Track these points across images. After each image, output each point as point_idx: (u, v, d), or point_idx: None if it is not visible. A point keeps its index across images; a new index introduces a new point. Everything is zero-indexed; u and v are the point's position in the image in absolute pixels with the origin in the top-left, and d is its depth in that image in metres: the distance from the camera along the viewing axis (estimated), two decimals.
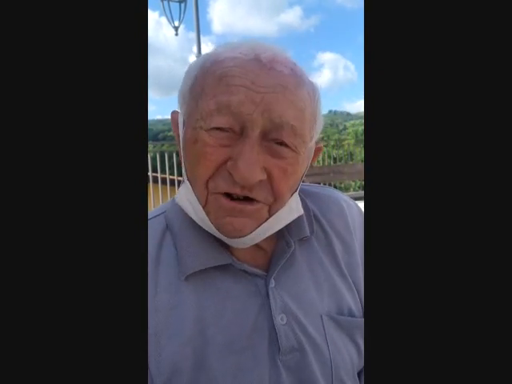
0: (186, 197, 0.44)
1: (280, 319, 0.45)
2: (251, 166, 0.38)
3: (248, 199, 0.41)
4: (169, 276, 0.44)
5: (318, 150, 0.49)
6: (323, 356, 0.46)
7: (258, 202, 0.41)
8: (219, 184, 0.40)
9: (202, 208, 0.42)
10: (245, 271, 0.46)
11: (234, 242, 0.44)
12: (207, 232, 0.45)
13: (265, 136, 0.40)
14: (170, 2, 4.64)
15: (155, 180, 4.24)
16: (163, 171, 4.17)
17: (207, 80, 0.41)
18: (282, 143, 0.40)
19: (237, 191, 0.40)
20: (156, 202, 4.07)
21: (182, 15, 4.74)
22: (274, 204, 0.43)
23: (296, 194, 0.46)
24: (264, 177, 0.40)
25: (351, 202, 0.58)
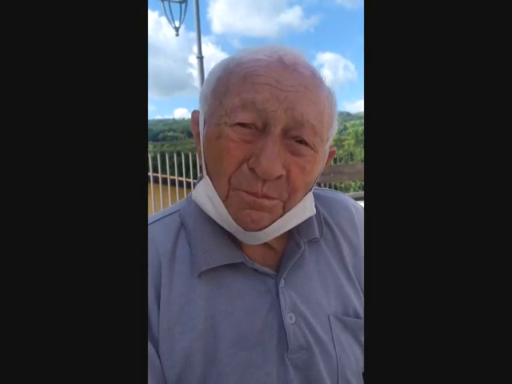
0: (204, 192, 0.45)
1: (289, 318, 0.46)
2: (273, 160, 0.40)
3: (265, 196, 0.43)
4: (183, 273, 0.46)
5: (331, 154, 0.51)
6: (330, 356, 0.47)
7: (274, 198, 0.43)
8: (241, 181, 0.42)
9: (222, 202, 0.44)
10: (256, 270, 0.47)
11: (248, 238, 0.45)
12: (221, 231, 0.47)
13: (286, 133, 0.42)
14: (171, 3, 4.64)
15: (156, 180, 4.24)
16: (163, 171, 4.18)
17: (232, 80, 0.42)
18: (301, 141, 0.42)
19: (257, 188, 0.42)
20: (156, 202, 4.07)
21: (182, 16, 4.74)
22: (289, 201, 0.44)
23: (310, 193, 0.48)
24: (284, 172, 0.42)
25: (359, 206, 0.59)
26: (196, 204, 0.48)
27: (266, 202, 0.42)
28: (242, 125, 0.41)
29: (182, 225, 0.49)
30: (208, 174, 0.45)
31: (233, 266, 0.46)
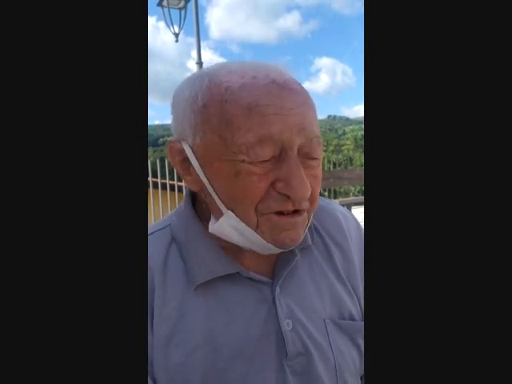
0: (229, 226, 0.45)
1: (286, 325, 0.46)
2: (303, 181, 0.41)
3: (295, 211, 0.43)
4: (176, 286, 0.46)
5: None
6: (328, 360, 0.47)
7: (303, 211, 0.44)
8: (270, 205, 0.42)
9: (253, 231, 0.44)
10: (251, 279, 0.48)
11: (272, 250, 0.46)
12: (213, 243, 0.47)
13: (299, 152, 0.43)
14: (170, 9, 4.67)
15: (155, 185, 4.23)
16: (163, 176, 4.17)
17: (232, 111, 0.41)
18: (312, 158, 0.44)
19: (289, 208, 0.43)
20: (156, 207, 4.05)
21: (182, 22, 4.77)
22: (311, 208, 0.46)
23: None
24: (310, 189, 0.43)
25: (348, 214, 0.60)
26: (187, 218, 0.49)
27: (299, 219, 0.44)
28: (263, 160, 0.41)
29: (173, 239, 0.49)
30: (228, 207, 0.44)
31: (228, 277, 0.47)
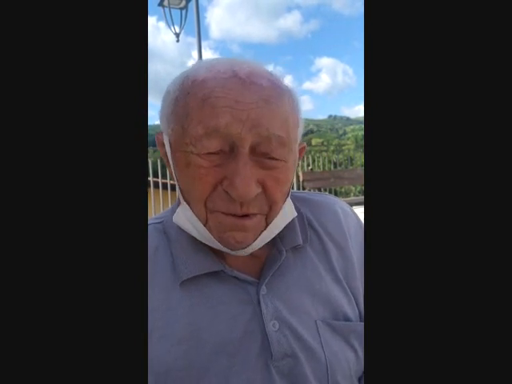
0: (185, 217, 0.46)
1: (272, 326, 0.46)
2: (247, 182, 0.40)
3: (245, 215, 0.42)
4: (163, 279, 0.46)
5: (302, 150, 0.51)
6: (319, 361, 0.46)
7: (255, 214, 0.43)
8: (217, 203, 0.42)
9: (203, 226, 0.44)
10: (236, 278, 0.47)
11: (234, 252, 0.46)
12: (198, 242, 0.47)
13: (254, 150, 0.41)
14: (171, 9, 4.67)
15: (156, 185, 4.24)
16: (164, 176, 4.18)
17: (190, 103, 0.41)
18: (271, 157, 0.42)
19: (236, 211, 0.42)
20: (157, 207, 4.06)
21: (183, 22, 4.77)
22: (270, 212, 0.44)
23: (288, 198, 0.48)
24: (259, 190, 0.42)
25: (348, 209, 0.59)
26: None
27: (248, 222, 0.43)
28: (210, 152, 0.41)
29: (165, 234, 0.50)
30: (184, 199, 0.45)
31: (213, 275, 0.47)
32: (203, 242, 0.47)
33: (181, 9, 4.73)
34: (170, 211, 0.53)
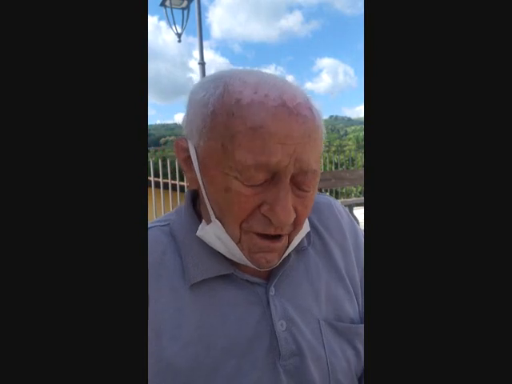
0: (214, 234, 0.46)
1: (280, 325, 0.47)
2: (288, 210, 0.41)
3: (277, 235, 0.44)
4: (172, 281, 0.47)
5: None
6: (320, 360, 0.48)
7: (284, 236, 0.45)
8: (253, 225, 0.43)
9: (235, 244, 0.45)
10: (246, 280, 0.48)
11: (261, 268, 0.47)
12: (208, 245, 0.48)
13: (291, 179, 0.43)
14: (173, 9, 4.67)
15: (157, 185, 4.24)
16: (165, 176, 4.18)
17: (237, 127, 0.40)
18: (304, 188, 0.44)
19: (271, 231, 0.43)
20: (158, 207, 4.07)
21: (184, 22, 4.77)
22: (293, 232, 0.46)
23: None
24: (295, 216, 0.43)
25: (342, 208, 0.61)
26: (185, 217, 0.50)
27: (278, 244, 0.45)
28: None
29: (172, 236, 0.50)
30: (216, 216, 0.45)
31: (223, 277, 0.48)
32: (229, 257, 0.47)
33: (182, 9, 4.73)
34: (173, 214, 0.53)
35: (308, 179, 0.43)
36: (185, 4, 4.68)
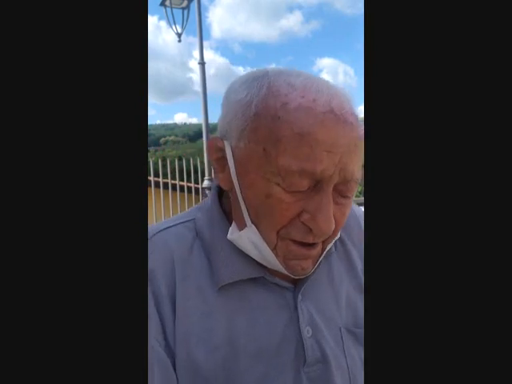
0: (248, 239, 0.44)
1: (306, 332, 0.46)
2: (330, 219, 0.41)
3: (313, 243, 0.43)
4: (199, 282, 0.46)
5: None
6: (342, 368, 0.47)
7: (318, 243, 0.44)
8: (291, 232, 0.42)
9: (270, 251, 0.44)
10: (276, 284, 0.48)
11: (295, 276, 0.46)
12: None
13: (334, 187, 0.42)
14: (173, 9, 4.67)
15: (157, 185, 4.24)
16: (165, 176, 4.19)
17: (283, 131, 0.39)
18: (345, 196, 0.43)
19: (309, 240, 0.42)
20: (157, 207, 4.07)
21: (184, 22, 4.77)
22: (328, 239, 0.45)
23: None
24: (335, 225, 0.42)
25: (358, 210, 0.60)
26: (213, 216, 0.49)
27: (314, 251, 0.44)
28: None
29: (198, 234, 0.49)
30: (252, 221, 0.44)
31: (252, 280, 0.47)
32: (262, 263, 0.46)
33: (182, 9, 4.73)
34: (198, 210, 0.51)
35: (350, 187, 0.42)
36: (185, 4, 4.68)
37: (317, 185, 0.41)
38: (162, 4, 4.63)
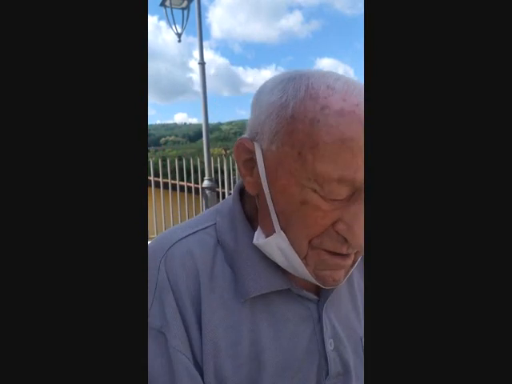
0: (276, 245, 0.43)
1: (329, 344, 0.46)
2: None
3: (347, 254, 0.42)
4: (224, 296, 0.44)
5: None
6: (361, 378, 0.47)
7: (351, 253, 0.42)
8: (325, 242, 0.40)
9: (300, 260, 0.42)
10: (300, 296, 0.46)
11: (325, 286, 0.45)
12: (265, 256, 0.45)
13: None
14: (173, 9, 4.67)
15: (157, 185, 4.25)
16: (165, 176, 4.19)
17: (323, 136, 0.37)
18: None
19: (342, 251, 0.40)
20: (158, 207, 4.07)
21: (184, 22, 4.77)
22: (357, 253, 0.43)
23: None
24: None
25: None
26: (236, 222, 0.47)
27: (347, 262, 0.42)
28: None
29: (219, 242, 0.46)
30: (282, 227, 0.42)
31: (279, 292, 0.45)
32: (289, 271, 0.44)
33: (182, 9, 4.73)
34: (218, 215, 0.49)
35: None
36: (185, 4, 4.68)
37: (355, 193, 0.39)
38: (162, 4, 4.63)
